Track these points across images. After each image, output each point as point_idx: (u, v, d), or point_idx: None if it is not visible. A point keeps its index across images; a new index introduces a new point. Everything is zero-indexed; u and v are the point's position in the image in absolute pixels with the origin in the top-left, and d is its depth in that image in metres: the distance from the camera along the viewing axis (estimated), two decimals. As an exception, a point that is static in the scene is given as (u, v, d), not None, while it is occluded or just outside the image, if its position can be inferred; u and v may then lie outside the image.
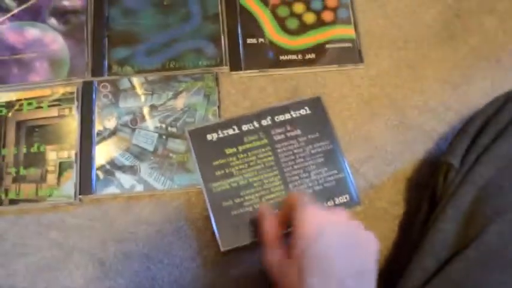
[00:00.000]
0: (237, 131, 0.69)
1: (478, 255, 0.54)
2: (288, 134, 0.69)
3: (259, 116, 0.70)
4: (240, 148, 0.68)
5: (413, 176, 0.71)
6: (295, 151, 0.68)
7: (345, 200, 0.67)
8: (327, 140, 0.69)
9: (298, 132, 0.69)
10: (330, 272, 0.49)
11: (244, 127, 0.69)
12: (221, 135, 0.69)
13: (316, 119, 0.70)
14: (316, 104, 0.71)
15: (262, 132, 0.69)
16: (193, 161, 0.68)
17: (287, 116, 0.70)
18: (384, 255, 0.67)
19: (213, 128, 0.69)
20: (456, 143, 0.60)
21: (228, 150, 0.68)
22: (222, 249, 0.64)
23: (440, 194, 0.59)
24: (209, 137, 0.69)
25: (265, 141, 0.69)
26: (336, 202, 0.67)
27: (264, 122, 0.70)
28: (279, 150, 0.68)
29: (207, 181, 0.67)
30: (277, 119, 0.70)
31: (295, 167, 0.68)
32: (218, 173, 0.67)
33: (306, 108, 0.71)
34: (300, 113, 0.71)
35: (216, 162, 0.68)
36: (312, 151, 0.69)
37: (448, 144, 0.63)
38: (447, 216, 0.56)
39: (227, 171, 0.67)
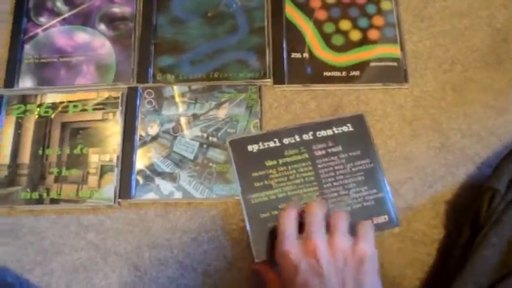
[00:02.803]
0: (278, 143, 0.69)
1: (521, 283, 0.53)
2: (329, 150, 0.69)
3: (301, 130, 0.70)
4: (280, 161, 0.68)
5: (453, 200, 0.70)
6: (336, 167, 0.68)
7: (384, 221, 0.66)
8: (367, 159, 0.69)
9: (340, 148, 0.69)
10: None
11: (286, 140, 0.69)
12: (262, 147, 0.69)
13: (358, 136, 0.70)
14: (358, 121, 0.71)
15: (303, 146, 0.69)
16: (232, 170, 0.68)
17: (329, 132, 0.70)
18: (419, 278, 0.66)
19: (254, 139, 0.70)
20: (502, 169, 0.59)
21: (268, 163, 0.68)
22: (256, 260, 0.64)
23: (483, 219, 0.58)
24: (250, 148, 0.69)
25: (305, 155, 0.69)
26: (375, 222, 0.66)
27: (306, 137, 0.70)
28: (319, 166, 0.68)
29: (245, 192, 0.67)
30: (318, 134, 0.70)
31: (335, 183, 0.67)
32: (257, 184, 0.67)
33: (349, 125, 0.70)
34: (342, 130, 0.70)
35: (255, 174, 0.68)
36: (353, 169, 0.68)
37: (493, 169, 0.62)
38: (490, 243, 0.55)
39: (266, 183, 0.67)
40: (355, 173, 0.68)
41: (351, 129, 0.70)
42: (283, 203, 0.66)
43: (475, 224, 0.59)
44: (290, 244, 0.57)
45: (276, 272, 0.61)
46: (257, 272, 0.64)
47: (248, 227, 0.65)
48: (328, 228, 0.59)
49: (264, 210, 0.66)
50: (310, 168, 0.68)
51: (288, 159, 0.68)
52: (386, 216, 0.66)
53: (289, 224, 0.59)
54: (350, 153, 0.69)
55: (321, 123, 0.71)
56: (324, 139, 0.70)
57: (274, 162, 0.68)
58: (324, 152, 0.69)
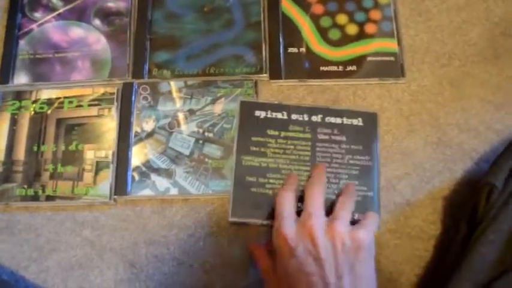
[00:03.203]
0: (285, 117, 0.70)
1: (518, 281, 0.52)
2: (332, 137, 0.69)
3: (311, 110, 0.71)
4: (282, 134, 0.69)
5: (450, 196, 0.69)
6: (334, 155, 0.68)
7: None
8: (368, 156, 0.69)
9: (343, 138, 0.69)
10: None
11: (294, 116, 0.70)
12: (269, 116, 0.70)
13: (366, 133, 0.70)
14: (371, 119, 0.71)
15: (308, 126, 0.70)
16: (234, 128, 0.70)
17: (338, 121, 0.70)
18: (416, 274, 0.66)
19: (264, 107, 0.71)
20: (500, 164, 0.59)
21: (270, 132, 0.69)
22: (230, 218, 0.66)
23: (481, 215, 0.58)
24: (257, 113, 0.70)
25: (308, 135, 0.69)
26: (355, 217, 0.65)
27: (314, 118, 0.70)
28: (318, 149, 0.68)
29: (240, 152, 0.68)
30: (327, 119, 0.70)
31: (328, 169, 0.67)
32: (253, 148, 0.68)
33: (360, 119, 0.70)
34: (351, 122, 0.70)
35: (254, 138, 0.69)
36: (350, 161, 0.68)
37: (490, 165, 0.61)
38: (488, 240, 0.55)
39: (262, 150, 0.68)
40: (351, 165, 0.68)
41: (361, 124, 0.70)
42: (272, 174, 0.67)
43: (473, 220, 0.59)
44: (288, 226, 0.57)
45: (269, 260, 0.61)
46: (252, 253, 0.65)
47: (232, 185, 0.67)
48: (331, 211, 0.60)
49: (251, 174, 0.67)
50: (309, 148, 0.68)
51: (290, 134, 0.69)
52: None
53: (287, 204, 0.60)
54: (352, 146, 0.69)
55: (333, 110, 0.71)
56: (331, 125, 0.70)
57: (276, 133, 0.69)
58: (327, 137, 0.69)
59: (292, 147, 0.69)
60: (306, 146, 0.69)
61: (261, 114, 0.70)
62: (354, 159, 0.68)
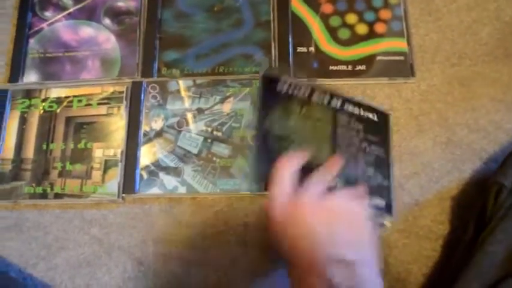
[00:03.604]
0: (306, 95, 0.68)
1: (527, 281, 0.52)
2: (351, 125, 0.68)
3: (332, 95, 0.68)
4: (304, 109, 0.67)
5: (459, 196, 0.69)
6: (353, 140, 0.67)
7: (381, 204, 0.65)
8: (382, 149, 0.68)
9: (361, 127, 0.68)
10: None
11: (315, 96, 0.68)
12: (290, 91, 0.68)
13: (380, 128, 0.69)
14: (384, 118, 0.70)
15: (329, 109, 0.68)
16: (257, 101, 0.67)
17: (356, 111, 0.69)
18: (424, 274, 0.66)
19: (286, 82, 0.67)
20: (509, 164, 0.58)
21: (293, 105, 0.65)
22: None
23: (489, 214, 0.57)
24: (279, 86, 0.67)
25: (329, 116, 0.66)
26: (372, 202, 0.64)
27: (334, 103, 0.68)
28: (338, 130, 0.66)
29: (263, 117, 0.63)
30: (346, 107, 0.69)
31: (347, 151, 0.66)
32: (277, 114, 0.64)
33: (375, 115, 0.69)
34: (367, 115, 0.69)
35: (278, 107, 0.65)
36: (367, 149, 0.67)
37: (499, 164, 0.61)
38: (496, 239, 0.55)
39: (283, 122, 0.64)
40: (368, 153, 0.67)
41: (376, 119, 0.70)
42: (294, 145, 0.63)
43: (481, 220, 0.58)
44: (276, 206, 0.53)
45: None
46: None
47: (251, 154, 0.67)
48: None
49: (273, 141, 0.63)
50: (329, 127, 0.65)
51: (311, 112, 0.65)
52: (384, 202, 0.65)
53: (280, 182, 0.56)
54: (369, 136, 0.68)
55: (352, 101, 0.68)
56: (349, 114, 0.69)
57: (299, 107, 0.66)
58: (346, 122, 0.68)
59: (313, 123, 0.67)
60: (327, 125, 0.67)
61: (283, 88, 0.68)
62: (370, 149, 0.68)
